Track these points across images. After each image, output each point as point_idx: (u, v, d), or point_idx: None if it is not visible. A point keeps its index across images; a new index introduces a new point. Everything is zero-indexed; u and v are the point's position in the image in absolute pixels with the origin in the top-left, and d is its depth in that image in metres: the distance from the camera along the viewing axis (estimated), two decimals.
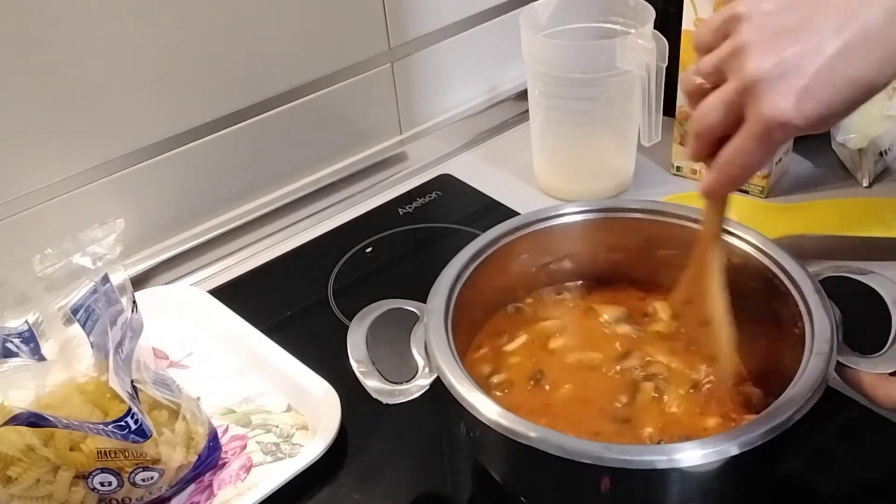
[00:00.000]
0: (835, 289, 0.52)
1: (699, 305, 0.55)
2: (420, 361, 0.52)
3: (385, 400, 0.51)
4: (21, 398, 0.53)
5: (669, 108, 0.80)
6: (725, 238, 0.56)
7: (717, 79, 0.47)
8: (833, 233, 0.73)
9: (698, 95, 0.48)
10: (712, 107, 0.47)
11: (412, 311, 0.55)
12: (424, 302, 0.54)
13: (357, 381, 0.52)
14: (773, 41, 0.44)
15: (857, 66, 0.43)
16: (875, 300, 0.52)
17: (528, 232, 0.60)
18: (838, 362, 0.50)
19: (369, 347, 0.53)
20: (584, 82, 0.77)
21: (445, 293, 0.54)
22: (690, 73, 0.49)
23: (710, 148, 0.48)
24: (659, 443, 0.52)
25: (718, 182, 0.49)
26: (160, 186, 0.79)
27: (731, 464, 0.44)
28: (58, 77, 0.70)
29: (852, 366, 0.50)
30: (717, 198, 0.52)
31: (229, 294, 0.76)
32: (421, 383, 0.51)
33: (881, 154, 0.82)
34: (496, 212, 0.84)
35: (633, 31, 0.77)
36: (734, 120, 0.46)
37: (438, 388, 0.50)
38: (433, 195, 0.88)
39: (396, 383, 0.51)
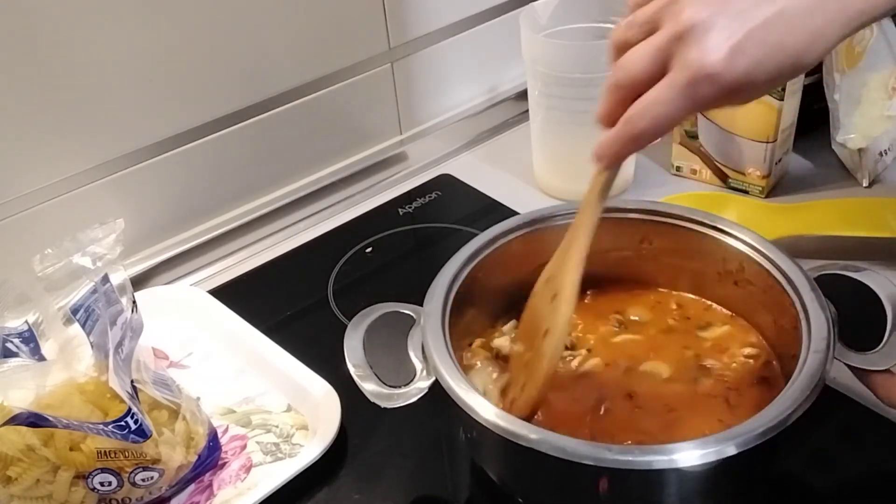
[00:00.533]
0: (830, 286, 0.52)
1: (555, 279, 0.51)
2: (418, 364, 0.52)
3: (383, 404, 0.51)
4: (21, 398, 0.53)
5: None
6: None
7: (649, 30, 0.45)
8: (833, 233, 0.73)
9: (625, 48, 0.46)
10: (640, 55, 0.45)
11: (409, 314, 0.55)
12: (422, 303, 0.54)
13: None
14: None
15: (790, 34, 0.42)
16: (870, 297, 0.52)
17: (525, 233, 0.60)
18: (847, 365, 0.50)
19: (366, 351, 0.53)
20: (584, 82, 0.76)
21: (442, 295, 0.54)
22: (621, 25, 0.47)
23: (624, 106, 0.46)
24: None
25: (622, 138, 0.45)
26: (160, 186, 0.79)
27: (730, 463, 0.44)
28: (58, 77, 0.70)
29: (849, 362, 0.50)
30: (613, 160, 0.48)
31: (229, 294, 0.76)
32: (419, 386, 0.51)
33: (881, 154, 0.82)
34: (496, 212, 0.84)
35: None
36: (659, 71, 0.44)
37: (437, 390, 0.50)
38: (433, 195, 0.88)
39: (395, 387, 0.51)
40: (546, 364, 0.49)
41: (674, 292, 0.62)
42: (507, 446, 0.46)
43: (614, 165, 0.49)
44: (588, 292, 0.63)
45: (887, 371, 0.50)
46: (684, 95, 0.43)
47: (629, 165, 0.85)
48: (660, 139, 0.46)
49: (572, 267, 0.50)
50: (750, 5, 0.43)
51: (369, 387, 0.51)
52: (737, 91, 0.43)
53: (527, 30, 0.78)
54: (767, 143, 0.79)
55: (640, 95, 0.45)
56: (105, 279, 0.55)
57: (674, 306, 0.61)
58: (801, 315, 0.51)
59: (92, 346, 0.54)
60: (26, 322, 0.55)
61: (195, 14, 0.75)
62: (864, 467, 0.57)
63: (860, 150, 0.81)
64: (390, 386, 0.51)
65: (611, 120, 0.46)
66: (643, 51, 0.45)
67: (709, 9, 0.43)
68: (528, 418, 0.49)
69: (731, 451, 0.44)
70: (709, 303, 0.61)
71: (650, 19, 0.45)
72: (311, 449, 0.59)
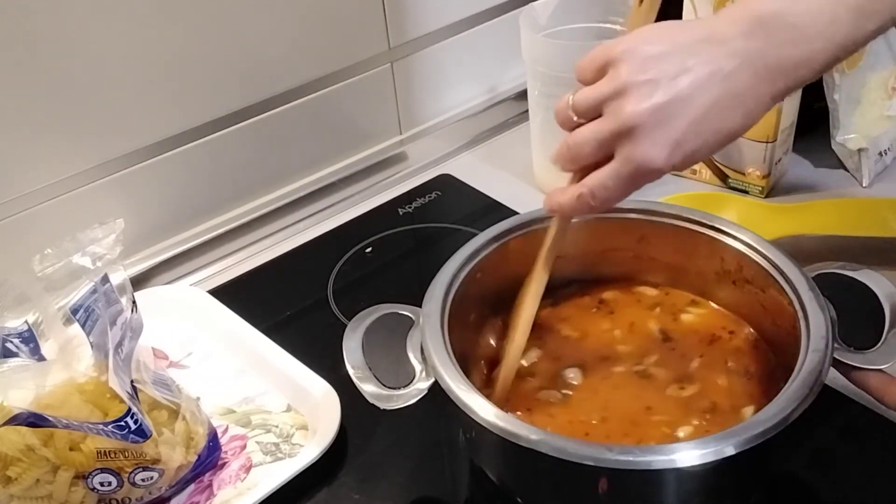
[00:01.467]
0: (829, 286, 0.53)
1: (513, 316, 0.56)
2: (417, 366, 0.52)
3: (383, 405, 0.51)
4: (21, 398, 0.53)
5: None
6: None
7: (593, 115, 0.49)
8: (832, 233, 0.73)
9: (572, 126, 0.50)
10: (586, 141, 0.49)
11: (408, 315, 0.55)
12: (422, 303, 0.54)
13: None
14: (652, 87, 0.46)
15: (725, 119, 0.46)
16: (868, 296, 0.52)
17: (523, 233, 0.60)
18: (843, 364, 0.50)
19: (366, 352, 0.53)
20: None
21: (441, 296, 0.54)
22: (565, 105, 0.50)
23: (578, 171, 0.51)
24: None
25: (574, 207, 0.51)
26: (160, 186, 0.79)
27: (730, 463, 0.44)
28: (58, 77, 0.70)
29: (848, 362, 0.50)
30: (566, 217, 0.54)
31: (229, 294, 0.76)
32: (419, 387, 0.51)
33: (881, 154, 0.82)
34: (496, 212, 0.84)
35: None
36: (605, 155, 0.49)
37: (436, 391, 0.50)
38: (433, 195, 0.88)
39: (394, 388, 0.51)
40: (499, 388, 0.55)
41: (672, 291, 0.62)
42: (507, 447, 0.46)
43: (566, 221, 0.55)
44: (587, 292, 0.63)
45: (880, 371, 0.50)
46: (628, 184, 0.49)
47: None
48: None
49: (526, 307, 0.55)
50: (686, 97, 0.46)
51: (368, 388, 0.51)
52: (677, 170, 0.49)
53: (526, 30, 0.78)
54: (767, 142, 0.79)
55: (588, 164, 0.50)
56: (105, 279, 0.55)
57: (672, 306, 0.62)
58: (800, 315, 0.51)
59: (92, 346, 0.54)
60: (26, 322, 0.55)
61: (195, 14, 0.75)
62: (863, 467, 0.57)
63: (860, 150, 0.81)
64: (389, 387, 0.51)
65: (567, 171, 0.52)
66: (588, 138, 0.49)
67: (649, 104, 0.46)
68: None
69: (730, 451, 0.44)
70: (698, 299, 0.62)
71: (594, 105, 0.49)
72: (310, 449, 0.59)
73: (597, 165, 0.49)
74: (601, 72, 0.49)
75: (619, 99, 0.47)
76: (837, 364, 0.50)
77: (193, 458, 0.58)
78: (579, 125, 0.50)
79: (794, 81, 0.47)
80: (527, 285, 0.56)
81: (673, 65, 0.46)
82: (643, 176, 0.48)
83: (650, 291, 0.63)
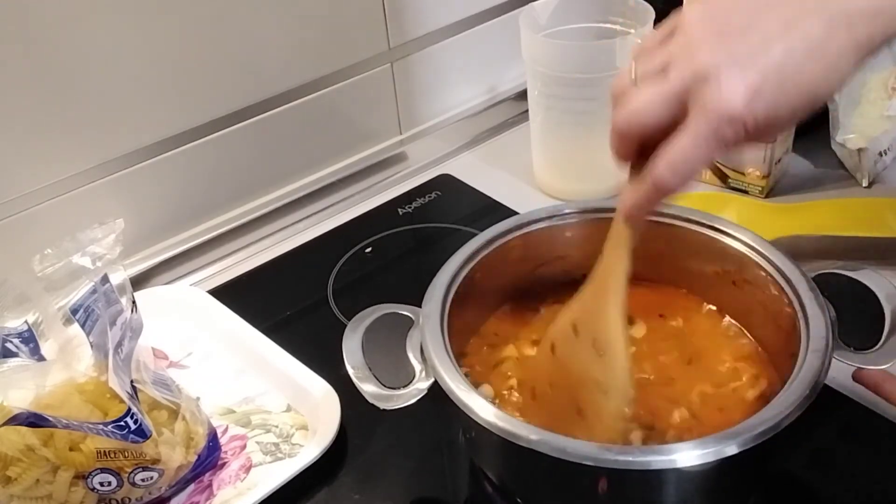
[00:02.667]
0: (829, 286, 0.53)
1: (590, 329, 0.50)
2: (417, 366, 0.52)
3: (382, 405, 0.51)
4: (21, 398, 0.53)
5: None
6: (720, 238, 0.55)
7: (658, 79, 0.44)
8: (832, 233, 0.73)
9: (628, 97, 0.45)
10: (650, 101, 0.43)
11: (408, 315, 0.55)
12: (421, 304, 0.54)
13: None
14: (722, 38, 0.42)
15: (804, 71, 0.42)
16: (868, 296, 0.52)
17: (522, 233, 0.60)
18: (852, 366, 0.50)
19: (365, 353, 0.53)
20: (583, 82, 0.77)
21: (441, 296, 0.54)
22: (624, 75, 0.46)
23: (634, 152, 0.46)
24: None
25: (649, 196, 0.45)
26: (160, 186, 0.79)
27: (730, 463, 0.44)
28: (58, 77, 0.70)
29: (848, 362, 0.50)
30: (642, 217, 0.47)
31: (229, 294, 0.76)
32: (419, 387, 0.51)
33: (880, 154, 0.82)
34: (496, 212, 0.84)
35: (632, 31, 0.77)
36: (671, 119, 0.43)
37: (436, 391, 0.50)
38: (433, 195, 0.88)
39: (394, 388, 0.51)
40: (612, 423, 0.48)
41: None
42: (507, 447, 0.46)
43: (641, 222, 0.48)
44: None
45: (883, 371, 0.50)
46: (709, 144, 0.42)
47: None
48: None
49: (616, 321, 0.49)
50: (759, 47, 0.42)
51: (368, 388, 0.52)
52: (758, 133, 0.42)
53: (526, 30, 0.78)
54: (767, 143, 0.78)
55: (650, 138, 0.44)
56: (105, 279, 0.55)
57: (672, 305, 0.61)
58: (800, 315, 0.51)
59: (91, 346, 0.54)
60: (26, 322, 0.55)
61: (195, 14, 0.75)
62: (863, 467, 0.57)
63: (860, 150, 0.81)
64: (389, 387, 0.51)
65: (626, 158, 0.46)
66: (654, 97, 0.43)
67: (721, 52, 0.42)
68: None
69: (730, 450, 0.44)
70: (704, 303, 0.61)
71: (658, 68, 0.44)
72: (310, 449, 0.59)
73: (653, 150, 0.43)
74: (665, 41, 0.45)
75: (689, 51, 0.43)
76: (857, 371, 0.50)
77: (193, 458, 0.58)
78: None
79: (874, 31, 0.42)
80: (596, 305, 0.50)
81: (741, 19, 0.43)
82: (723, 127, 0.41)
83: (649, 291, 0.63)
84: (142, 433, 0.53)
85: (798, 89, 0.42)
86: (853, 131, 0.80)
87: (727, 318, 0.60)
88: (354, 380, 0.52)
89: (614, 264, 0.49)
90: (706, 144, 0.42)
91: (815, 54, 0.42)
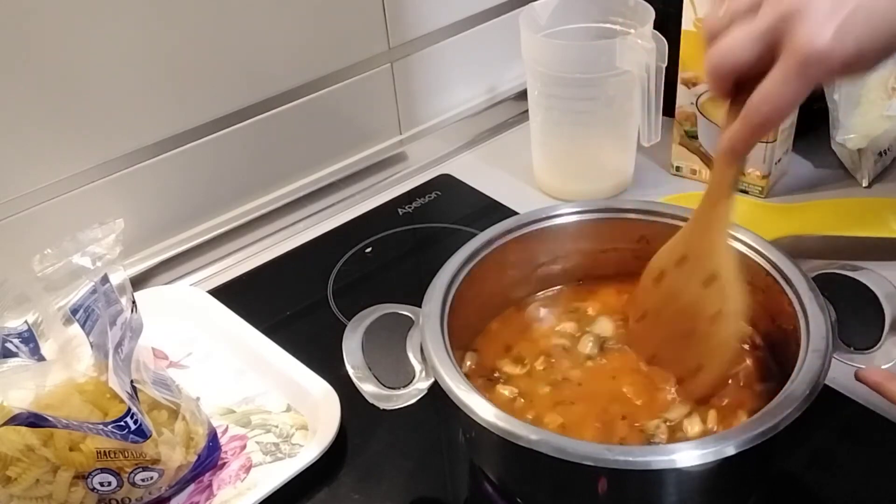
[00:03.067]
0: (829, 286, 0.53)
1: (700, 264, 0.53)
2: (417, 366, 0.52)
3: (382, 405, 0.51)
4: (20, 398, 0.53)
5: (669, 109, 0.80)
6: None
7: (748, 18, 0.45)
8: (832, 233, 0.73)
9: (720, 34, 0.46)
10: (742, 39, 0.44)
11: (408, 315, 0.55)
12: (421, 304, 0.54)
13: None
14: None
15: (893, 8, 0.42)
16: (868, 296, 0.52)
17: (522, 233, 0.60)
18: (852, 366, 0.50)
19: (365, 353, 0.53)
20: (583, 82, 0.77)
21: (441, 296, 0.54)
22: (714, 15, 0.46)
23: (730, 88, 0.47)
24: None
25: (747, 132, 0.46)
26: (160, 186, 0.79)
27: (730, 463, 0.44)
28: (58, 77, 0.70)
29: (848, 362, 0.50)
30: (745, 151, 0.49)
31: (229, 294, 0.76)
32: (419, 387, 0.51)
33: (881, 154, 0.82)
34: (496, 212, 0.84)
35: (632, 31, 0.77)
36: (763, 57, 0.44)
37: (436, 391, 0.50)
38: (433, 195, 0.88)
39: (394, 388, 0.51)
40: (726, 349, 0.52)
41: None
42: (507, 447, 0.46)
43: (745, 156, 0.50)
44: (585, 293, 0.63)
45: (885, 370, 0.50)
46: (799, 80, 0.43)
47: (629, 166, 0.86)
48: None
49: (725, 254, 0.52)
50: None
51: (368, 388, 0.52)
52: (847, 68, 0.43)
53: (526, 30, 0.78)
54: (767, 143, 0.78)
55: (743, 76, 0.45)
56: (105, 279, 0.55)
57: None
58: (800, 314, 0.51)
59: (91, 347, 0.54)
60: (26, 322, 0.55)
61: (195, 14, 0.75)
62: (863, 467, 0.57)
63: (860, 150, 0.81)
64: (389, 387, 0.51)
65: (726, 96, 0.47)
66: (746, 35, 0.44)
67: None
68: (706, 400, 0.53)
69: (730, 451, 0.44)
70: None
71: (748, 6, 0.45)
72: (310, 449, 0.59)
73: (750, 90, 0.45)
74: None
75: None
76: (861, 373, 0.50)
77: (193, 458, 0.58)
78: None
79: None
80: (702, 237, 0.53)
81: None
82: (812, 65, 0.42)
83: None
84: (142, 433, 0.53)
85: (887, 24, 0.43)
86: (853, 131, 0.80)
87: None
88: (354, 380, 0.52)
89: (718, 203, 0.52)
90: (795, 80, 0.43)
91: None
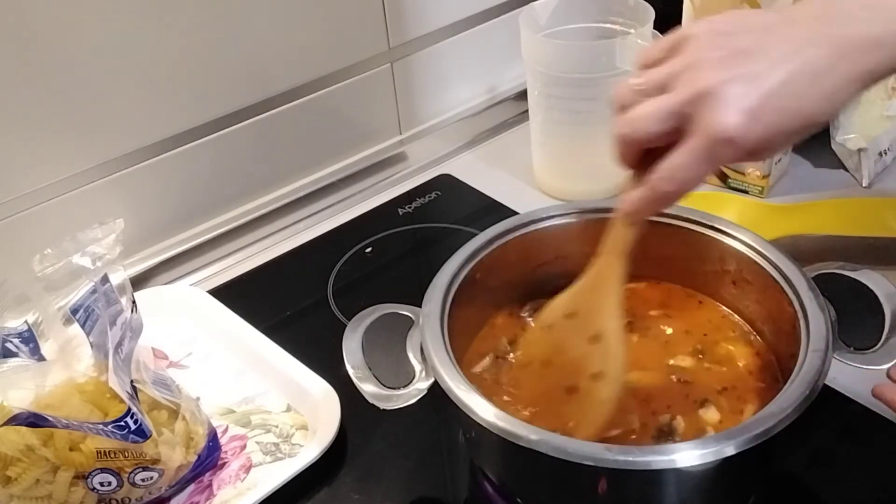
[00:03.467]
0: (829, 286, 0.53)
1: (589, 320, 0.52)
2: (417, 365, 0.52)
3: (382, 405, 0.51)
4: (20, 398, 0.53)
5: None
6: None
7: (660, 93, 0.46)
8: (832, 233, 0.73)
9: (630, 106, 0.47)
10: (652, 114, 0.45)
11: (408, 315, 0.55)
12: (421, 304, 0.54)
13: None
14: (726, 60, 0.44)
15: (803, 97, 0.43)
16: (868, 296, 0.52)
17: (522, 233, 0.60)
18: (852, 366, 0.50)
19: (365, 352, 0.53)
20: (583, 82, 0.77)
21: (440, 296, 0.54)
22: (627, 84, 0.47)
23: (636, 158, 0.47)
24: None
25: (649, 201, 0.47)
26: (160, 186, 0.79)
27: (730, 463, 0.44)
28: (57, 77, 0.70)
29: (848, 362, 0.50)
30: (640, 218, 0.49)
31: (229, 294, 0.76)
32: (419, 387, 0.51)
33: (881, 154, 0.82)
34: (496, 212, 0.84)
35: (632, 31, 0.77)
36: (670, 132, 0.45)
37: (436, 391, 0.50)
38: (433, 195, 0.88)
39: (394, 388, 0.51)
40: (602, 409, 0.50)
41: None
42: (507, 447, 0.46)
43: (640, 222, 0.50)
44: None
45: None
46: (705, 160, 0.44)
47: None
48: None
49: (613, 314, 0.51)
50: (764, 69, 0.43)
51: (368, 388, 0.51)
52: (753, 153, 0.44)
53: (526, 30, 0.78)
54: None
55: (650, 148, 0.46)
56: (105, 279, 0.55)
57: (672, 306, 0.61)
58: (800, 315, 0.51)
59: (91, 347, 0.54)
60: (26, 322, 0.55)
61: (195, 14, 0.75)
62: (864, 467, 0.57)
63: (860, 150, 0.81)
64: (389, 387, 0.51)
65: (631, 165, 0.48)
66: (657, 109, 0.45)
67: (724, 73, 0.43)
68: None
69: (730, 451, 0.44)
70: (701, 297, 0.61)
71: (664, 81, 0.46)
72: (310, 449, 0.59)
73: (655, 159, 0.46)
74: (669, 53, 0.46)
75: (691, 71, 0.44)
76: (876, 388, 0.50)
77: (193, 458, 0.58)
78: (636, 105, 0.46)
79: (876, 63, 0.44)
80: (591, 295, 0.52)
81: (746, 42, 0.44)
82: (720, 147, 0.43)
83: (649, 291, 0.63)
84: (142, 433, 0.53)
85: (796, 115, 0.44)
86: (853, 131, 0.80)
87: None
88: (354, 380, 0.52)
89: (612, 262, 0.51)
90: (703, 161, 0.44)
91: (817, 82, 0.43)
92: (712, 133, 0.43)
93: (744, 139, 0.43)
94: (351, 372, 0.52)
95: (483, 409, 0.47)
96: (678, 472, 0.45)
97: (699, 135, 0.44)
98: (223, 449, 0.62)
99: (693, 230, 0.59)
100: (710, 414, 0.53)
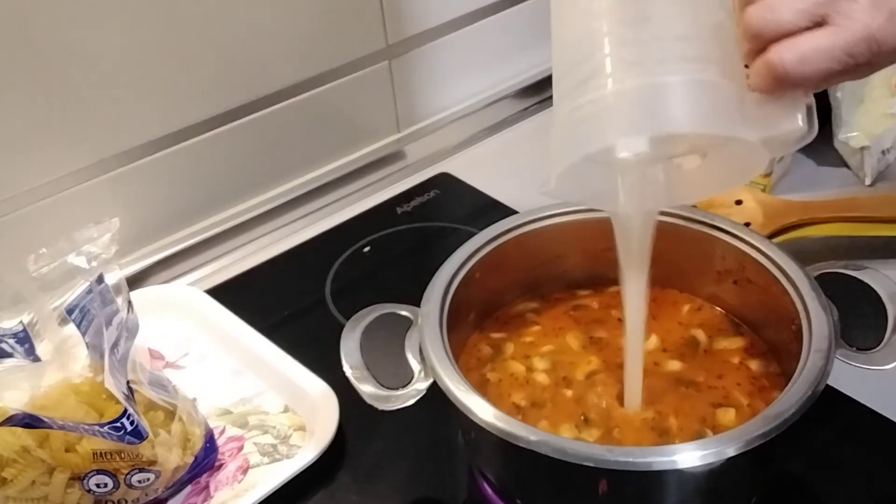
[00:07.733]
0: (831, 285, 0.52)
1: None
2: (415, 366, 0.52)
3: (381, 406, 0.51)
4: (16, 399, 0.52)
5: None
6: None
7: None
8: (835, 232, 0.73)
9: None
10: (789, 6, 0.42)
11: (406, 316, 0.55)
12: (420, 304, 0.54)
13: None
14: None
15: None
16: (871, 296, 0.52)
17: (522, 233, 0.59)
18: (854, 367, 0.49)
19: (364, 353, 0.53)
20: None
21: (440, 296, 0.54)
22: None
23: (762, 51, 0.43)
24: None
25: (765, 76, 0.43)
26: (155, 185, 0.79)
27: (731, 464, 0.44)
28: (52, 75, 0.69)
29: (850, 362, 0.50)
30: (774, 90, 0.44)
31: (226, 294, 0.75)
32: (417, 388, 0.51)
33: (883, 153, 0.82)
34: (495, 210, 0.84)
35: None
36: (808, 26, 0.42)
37: (435, 392, 0.50)
38: (431, 194, 0.88)
39: (392, 389, 0.51)
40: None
41: (672, 291, 0.62)
42: (506, 448, 0.46)
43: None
44: (585, 292, 0.63)
45: None
46: (842, 57, 0.42)
47: None
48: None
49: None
50: None
51: (366, 389, 0.51)
52: (888, 56, 0.42)
53: None
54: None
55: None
56: (100, 279, 0.55)
57: (672, 305, 0.61)
58: (802, 314, 0.51)
59: (87, 347, 0.54)
60: (21, 322, 0.55)
61: (191, 12, 0.74)
62: (866, 468, 0.57)
63: (863, 148, 0.80)
64: (388, 388, 0.51)
65: (756, 35, 0.44)
66: (792, 4, 0.42)
67: None
68: None
69: (731, 451, 0.43)
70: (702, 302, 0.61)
71: None
72: (308, 450, 0.59)
73: None
74: None
75: None
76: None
77: (190, 460, 0.58)
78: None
79: None
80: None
81: None
82: (861, 42, 0.41)
83: (650, 291, 0.62)
84: (138, 434, 0.53)
85: None
86: (856, 129, 0.80)
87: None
88: (353, 380, 0.52)
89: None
90: (840, 56, 0.42)
91: None
92: (857, 25, 0.41)
93: (885, 41, 0.41)
94: (349, 372, 0.52)
95: (482, 410, 0.47)
96: (679, 473, 0.44)
97: (841, 28, 0.41)
98: (220, 450, 0.61)
99: (694, 229, 0.58)
100: (711, 414, 0.53)
